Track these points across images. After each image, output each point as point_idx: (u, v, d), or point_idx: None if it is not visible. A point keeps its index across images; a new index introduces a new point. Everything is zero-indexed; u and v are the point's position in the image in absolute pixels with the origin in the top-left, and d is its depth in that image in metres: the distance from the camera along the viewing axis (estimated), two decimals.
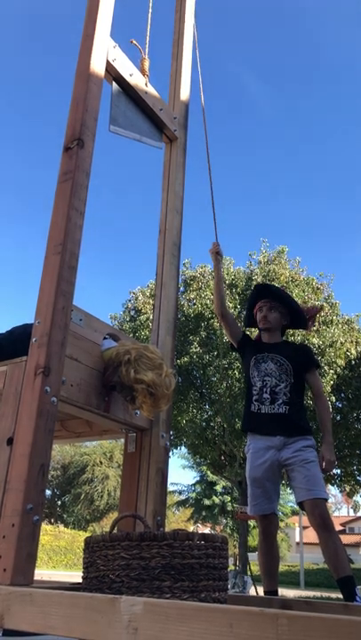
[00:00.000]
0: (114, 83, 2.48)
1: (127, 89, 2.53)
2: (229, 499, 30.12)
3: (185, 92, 2.95)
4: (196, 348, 14.06)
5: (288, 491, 14.63)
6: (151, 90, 2.65)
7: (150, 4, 2.84)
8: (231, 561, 16.38)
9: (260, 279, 14.46)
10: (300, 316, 3.14)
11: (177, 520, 34.60)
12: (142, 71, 2.61)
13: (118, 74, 2.44)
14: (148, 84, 2.62)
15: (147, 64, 2.64)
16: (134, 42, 2.61)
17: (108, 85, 2.45)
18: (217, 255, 3.21)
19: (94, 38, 2.21)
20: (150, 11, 2.83)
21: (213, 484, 30.93)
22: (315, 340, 12.50)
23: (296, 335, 12.21)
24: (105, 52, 2.28)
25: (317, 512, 2.62)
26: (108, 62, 2.32)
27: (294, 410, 2.81)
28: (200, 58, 3.12)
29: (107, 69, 2.33)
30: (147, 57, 2.66)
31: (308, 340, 12.30)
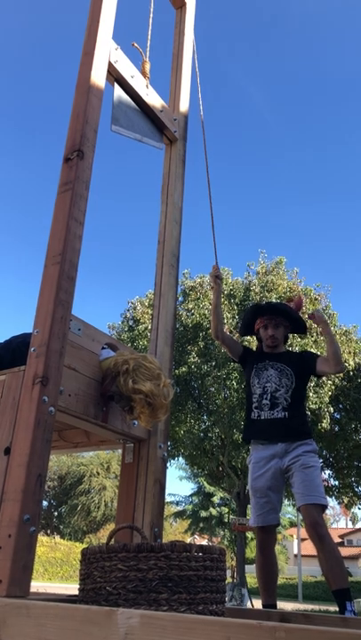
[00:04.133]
0: (115, 84, 2.52)
1: (129, 90, 2.57)
2: (227, 510, 29.90)
3: (184, 104, 2.98)
4: (194, 358, 14.04)
5: (285, 502, 14.55)
6: (152, 92, 2.69)
7: (151, 9, 2.88)
8: (229, 573, 16.24)
9: (258, 290, 14.48)
10: (301, 323, 3.18)
11: (174, 531, 34.34)
12: (143, 73, 2.66)
13: (120, 75, 2.48)
14: (149, 85, 2.67)
15: (147, 67, 2.69)
16: (135, 45, 2.65)
17: (109, 87, 2.48)
18: (216, 279, 3.21)
19: (95, 51, 2.23)
20: (151, 16, 2.87)
21: (211, 495, 30.73)
22: (313, 351, 12.50)
23: (295, 346, 12.21)
24: (107, 54, 2.31)
25: (309, 519, 2.58)
26: (110, 63, 2.36)
27: (294, 415, 2.80)
28: (199, 72, 3.15)
29: (109, 71, 2.37)
30: (147, 60, 2.70)
31: (305, 350, 12.30)
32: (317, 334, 13.49)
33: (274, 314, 3.06)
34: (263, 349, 3.10)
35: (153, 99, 2.69)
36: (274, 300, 13.49)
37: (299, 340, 12.61)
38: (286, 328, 3.10)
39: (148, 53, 2.74)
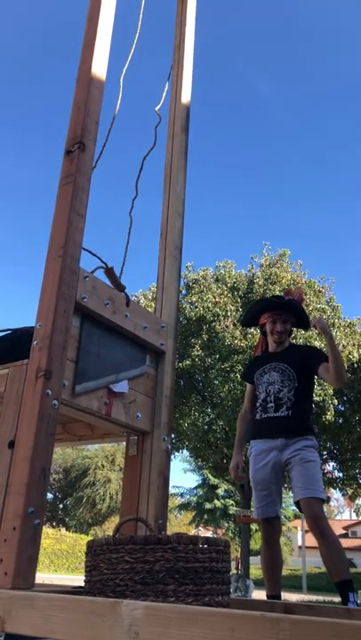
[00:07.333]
0: None
1: None
2: (231, 502, 30.03)
3: (186, 96, 2.96)
4: (197, 351, 14.05)
5: (290, 494, 14.61)
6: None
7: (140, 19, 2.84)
8: (233, 565, 16.33)
9: (261, 282, 14.45)
10: (305, 317, 3.17)
11: (178, 523, 34.53)
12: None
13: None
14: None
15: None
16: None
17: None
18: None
19: (95, 42, 2.21)
20: (141, 16, 2.84)
21: (215, 487, 30.84)
22: (316, 343, 12.47)
23: (298, 338, 12.19)
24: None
25: (310, 512, 2.59)
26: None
27: (296, 413, 2.80)
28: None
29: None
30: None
31: (309, 342, 12.28)
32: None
33: (283, 309, 3.04)
34: (264, 348, 3.11)
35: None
36: (278, 293, 13.46)
37: (302, 332, 12.58)
38: (292, 322, 3.10)
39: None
